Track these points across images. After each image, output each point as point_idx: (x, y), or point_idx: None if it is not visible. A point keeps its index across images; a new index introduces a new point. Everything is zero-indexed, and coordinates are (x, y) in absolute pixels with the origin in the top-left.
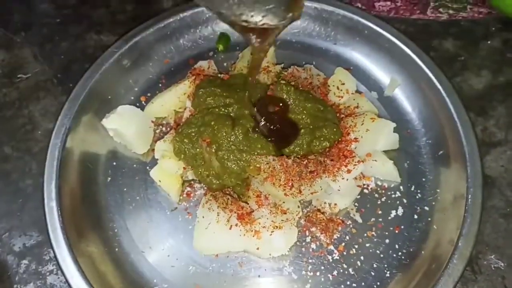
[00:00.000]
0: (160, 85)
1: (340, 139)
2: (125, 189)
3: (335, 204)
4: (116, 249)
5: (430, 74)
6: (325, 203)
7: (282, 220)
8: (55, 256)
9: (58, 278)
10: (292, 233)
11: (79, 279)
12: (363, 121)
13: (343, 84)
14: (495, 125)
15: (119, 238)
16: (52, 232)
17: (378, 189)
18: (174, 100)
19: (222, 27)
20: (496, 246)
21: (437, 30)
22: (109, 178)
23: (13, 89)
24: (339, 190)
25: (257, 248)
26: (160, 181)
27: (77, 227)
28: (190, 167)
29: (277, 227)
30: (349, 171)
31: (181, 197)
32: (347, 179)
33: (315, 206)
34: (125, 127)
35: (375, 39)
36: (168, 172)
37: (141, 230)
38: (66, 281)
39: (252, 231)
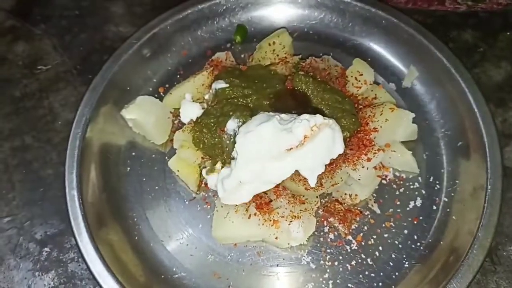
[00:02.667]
0: (178, 76)
1: (359, 129)
2: (144, 179)
3: (356, 195)
4: (136, 238)
5: (449, 65)
6: (345, 194)
7: (300, 210)
8: (76, 244)
9: (79, 265)
10: (311, 223)
11: (100, 266)
12: (382, 111)
13: (361, 75)
14: None
15: (139, 227)
16: (73, 220)
17: (396, 180)
18: (192, 91)
19: (240, 18)
20: None
21: (456, 21)
22: (128, 168)
23: (33, 80)
24: (359, 179)
25: (276, 238)
26: (178, 171)
27: (97, 216)
28: (208, 157)
29: (295, 217)
30: (369, 160)
31: (199, 187)
32: (367, 168)
33: (334, 197)
34: (144, 118)
35: (392, 30)
36: (186, 162)
37: (160, 219)
38: (88, 268)
39: (270, 220)
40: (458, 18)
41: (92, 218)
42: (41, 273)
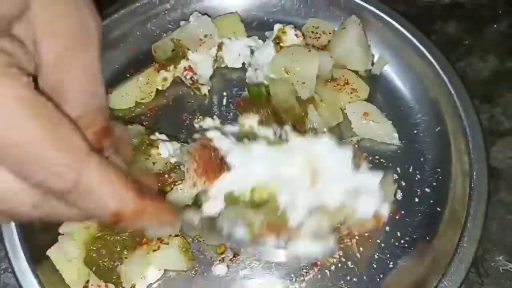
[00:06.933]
0: (128, 75)
1: None
2: None
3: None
4: None
5: (421, 47)
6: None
7: None
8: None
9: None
10: None
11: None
12: None
13: (318, 27)
14: (503, 114)
15: None
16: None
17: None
18: (135, 90)
19: (195, 8)
20: (504, 245)
21: (440, 12)
22: None
23: None
24: None
25: None
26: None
27: None
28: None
29: None
30: None
31: None
32: None
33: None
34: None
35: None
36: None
37: None
38: None
39: None
40: (443, 9)
41: None
42: None
